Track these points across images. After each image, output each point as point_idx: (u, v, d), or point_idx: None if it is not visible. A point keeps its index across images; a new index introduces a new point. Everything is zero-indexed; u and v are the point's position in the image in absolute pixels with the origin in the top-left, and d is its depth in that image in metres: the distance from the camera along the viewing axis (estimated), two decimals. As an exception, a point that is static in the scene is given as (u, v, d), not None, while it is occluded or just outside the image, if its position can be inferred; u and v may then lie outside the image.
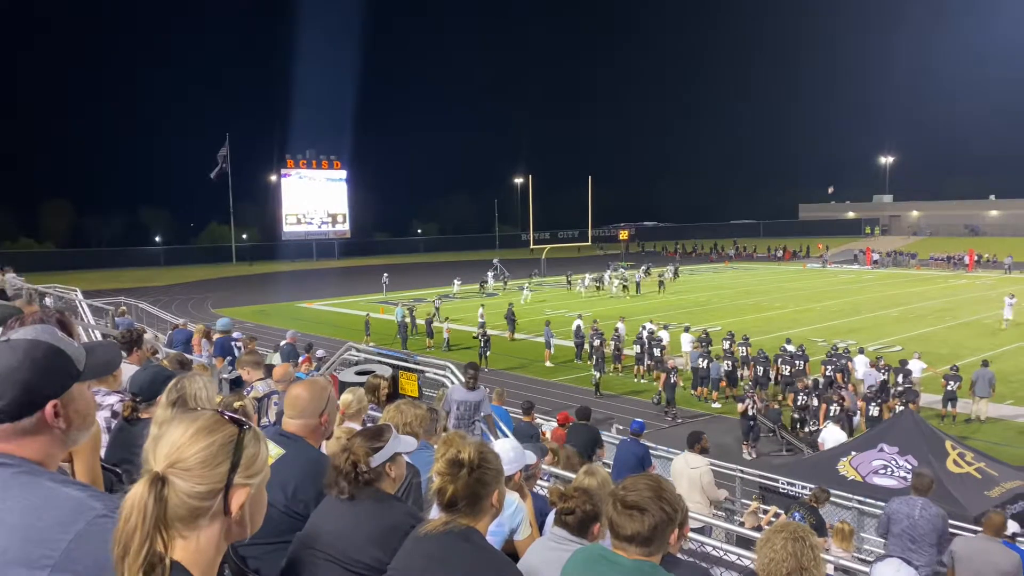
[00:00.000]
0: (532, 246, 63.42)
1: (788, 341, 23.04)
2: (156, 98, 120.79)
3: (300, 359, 14.69)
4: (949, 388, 17.85)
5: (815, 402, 16.95)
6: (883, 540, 7.00)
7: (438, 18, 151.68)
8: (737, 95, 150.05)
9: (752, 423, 16.15)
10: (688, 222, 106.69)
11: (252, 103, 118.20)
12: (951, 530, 7.74)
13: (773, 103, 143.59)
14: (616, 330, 25.40)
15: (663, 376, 19.32)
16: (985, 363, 18.65)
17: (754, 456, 15.88)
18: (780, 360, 21.00)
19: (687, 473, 8.57)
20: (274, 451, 2.73)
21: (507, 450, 3.30)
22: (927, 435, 10.87)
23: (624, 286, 45.15)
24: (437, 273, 62.70)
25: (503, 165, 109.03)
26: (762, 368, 20.39)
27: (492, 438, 7.21)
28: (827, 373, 19.44)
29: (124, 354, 5.56)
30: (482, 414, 7.46)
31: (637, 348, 23.38)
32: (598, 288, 46.21)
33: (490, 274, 51.11)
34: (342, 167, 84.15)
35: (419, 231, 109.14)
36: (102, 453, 2.86)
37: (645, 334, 23.51)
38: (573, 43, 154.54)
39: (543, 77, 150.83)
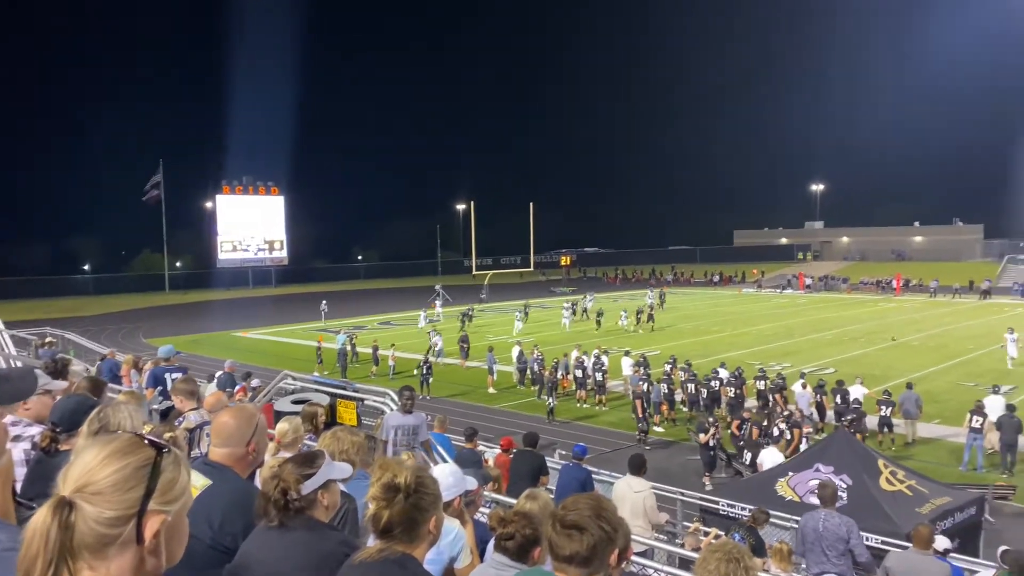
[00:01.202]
0: (474, 272, 63.40)
1: (723, 364, 23.39)
2: (85, 123, 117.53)
3: (236, 388, 14.31)
4: (883, 413, 18.25)
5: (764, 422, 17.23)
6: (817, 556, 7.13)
7: (379, 42, 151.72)
8: (674, 124, 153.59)
9: (712, 453, 16.19)
10: (627, 248, 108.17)
11: (186, 128, 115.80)
12: (884, 545, 7.91)
13: (709, 132, 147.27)
14: (565, 356, 25.43)
15: (638, 403, 19.40)
16: (909, 385, 19.24)
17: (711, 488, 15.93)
18: (719, 383, 21.30)
19: (630, 497, 8.57)
20: (199, 482, 2.61)
21: (446, 475, 3.24)
22: (860, 454, 11.13)
23: (579, 312, 44.53)
24: (377, 300, 62.17)
25: (445, 191, 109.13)
26: (706, 391, 20.74)
27: (431, 464, 7.11)
28: (765, 396, 19.79)
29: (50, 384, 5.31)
30: (420, 439, 7.34)
31: (579, 372, 23.48)
32: (577, 315, 44.12)
33: (437, 303, 50.62)
34: (280, 192, 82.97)
35: (359, 257, 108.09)
36: (18, 487, 2.71)
37: (590, 361, 23.70)
38: (514, 71, 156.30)
39: (484, 104, 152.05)
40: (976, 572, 8.14)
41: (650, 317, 40.47)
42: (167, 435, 3.99)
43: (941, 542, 8.01)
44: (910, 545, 6.46)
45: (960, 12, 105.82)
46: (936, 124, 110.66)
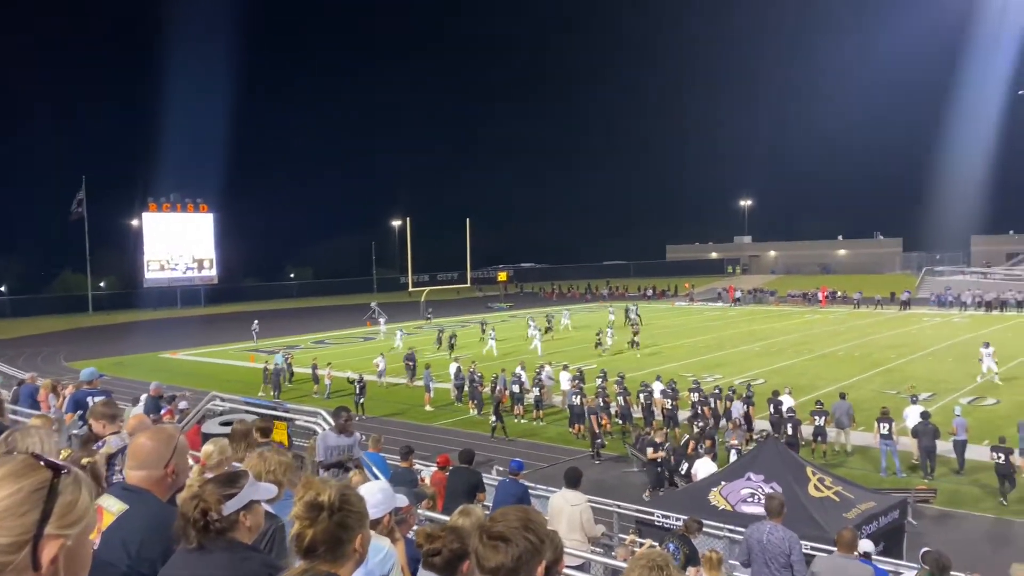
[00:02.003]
0: (411, 289, 62.95)
1: (658, 377, 23.74)
2: (2, 137, 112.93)
3: (163, 411, 13.85)
4: (817, 423, 18.65)
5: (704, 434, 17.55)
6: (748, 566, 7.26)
7: (312, 56, 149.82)
8: (608, 141, 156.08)
9: (660, 469, 16.29)
10: (563, 263, 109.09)
11: (111, 144, 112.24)
12: (812, 550, 8.11)
13: (641, 149, 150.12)
14: (503, 371, 25.39)
15: (594, 418, 19.50)
16: (842, 395, 19.81)
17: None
18: (649, 396, 21.59)
19: (567, 510, 8.58)
20: (116, 507, 2.51)
21: (374, 492, 3.18)
22: (789, 462, 11.42)
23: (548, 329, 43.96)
24: (311, 319, 61.17)
25: (380, 207, 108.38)
26: (645, 404, 21.06)
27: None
28: (700, 409, 20.13)
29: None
30: (354, 457, 7.22)
31: (516, 388, 23.50)
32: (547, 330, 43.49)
33: (381, 321, 49.82)
34: (209, 210, 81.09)
35: (292, 275, 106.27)
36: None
37: (543, 375, 23.90)
38: (449, 85, 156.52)
39: (419, 119, 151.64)
40: (900, 573, 8.41)
41: (634, 344, 36.97)
42: (85, 460, 3.84)
43: (865, 545, 8.26)
44: (836, 549, 6.64)
45: (880, 32, 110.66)
46: (858, 142, 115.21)
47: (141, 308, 72.74)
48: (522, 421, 22.98)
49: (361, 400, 24.45)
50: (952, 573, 6.64)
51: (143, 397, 15.35)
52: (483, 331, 41.61)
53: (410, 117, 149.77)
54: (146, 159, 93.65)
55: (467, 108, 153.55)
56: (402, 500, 3.48)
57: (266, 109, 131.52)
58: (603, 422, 20.73)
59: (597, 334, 36.99)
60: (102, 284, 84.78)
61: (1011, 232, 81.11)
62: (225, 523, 2.29)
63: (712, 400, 20.71)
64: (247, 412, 9.11)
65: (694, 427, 18.79)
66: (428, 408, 25.11)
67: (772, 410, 19.46)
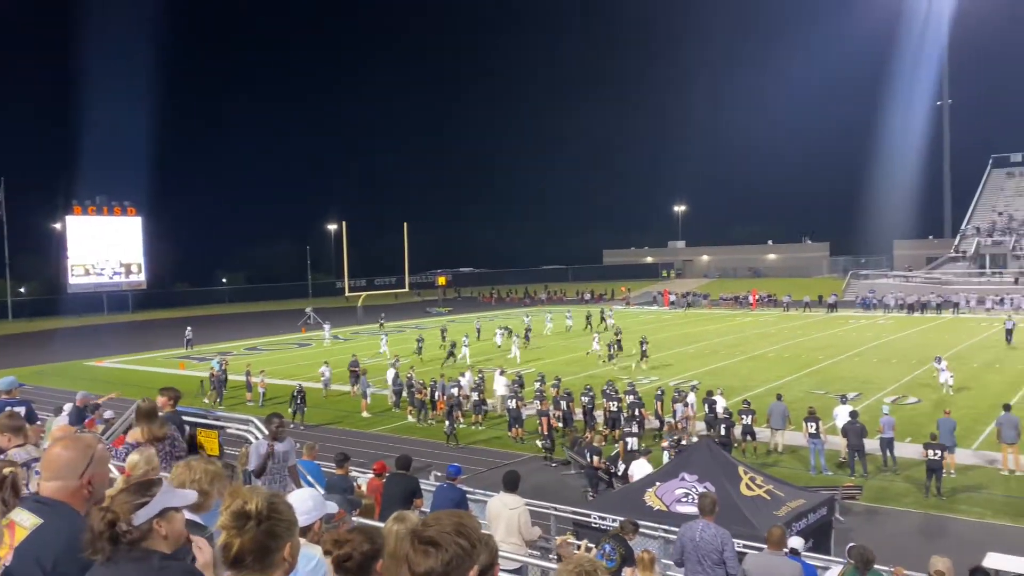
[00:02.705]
0: (347, 294, 62.26)
1: (609, 384, 23.90)
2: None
3: (86, 421, 13.35)
4: (745, 422, 19.22)
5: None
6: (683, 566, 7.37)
7: (243, 54, 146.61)
8: (547, 147, 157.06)
9: (604, 473, 16.35)
10: (502, 267, 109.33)
11: (32, 144, 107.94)
12: (745, 548, 8.28)
13: (579, 155, 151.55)
14: (442, 376, 25.25)
15: (544, 420, 19.57)
16: (779, 397, 20.31)
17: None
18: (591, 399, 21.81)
19: (504, 514, 8.56)
20: (29, 521, 2.40)
21: (304, 499, 3.12)
22: (722, 462, 11.65)
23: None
24: (244, 325, 59.87)
25: (315, 211, 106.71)
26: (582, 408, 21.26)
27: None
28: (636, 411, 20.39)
29: None
30: (288, 465, 7.06)
31: (454, 391, 23.39)
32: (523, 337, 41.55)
33: (326, 327, 48.72)
34: (137, 213, 78.74)
35: (224, 280, 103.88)
36: None
37: (466, 380, 23.75)
38: (385, 90, 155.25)
39: (356, 122, 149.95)
40: (827, 569, 8.66)
41: (618, 345, 35.42)
42: (7, 470, 3.66)
43: (794, 542, 8.48)
44: (766, 547, 6.80)
45: (810, 43, 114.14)
46: (788, 149, 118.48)
47: (65, 314, 70.09)
48: (459, 425, 22.86)
49: (303, 409, 23.84)
50: (876, 567, 6.86)
51: (66, 407, 14.78)
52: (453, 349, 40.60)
53: (346, 118, 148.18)
54: (69, 161, 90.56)
55: (403, 111, 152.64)
56: (332, 507, 3.41)
57: (195, 110, 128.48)
58: (552, 424, 20.85)
59: (608, 347, 34.97)
60: (22, 289, 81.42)
61: (931, 237, 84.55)
62: (138, 533, 2.20)
63: (656, 402, 21.05)
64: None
65: (632, 428, 19.04)
66: (365, 415, 24.83)
67: (707, 410, 19.87)
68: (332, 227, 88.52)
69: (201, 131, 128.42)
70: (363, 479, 11.77)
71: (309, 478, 8.07)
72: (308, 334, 52.31)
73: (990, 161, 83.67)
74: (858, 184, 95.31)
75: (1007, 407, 17.87)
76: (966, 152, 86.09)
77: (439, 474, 14.52)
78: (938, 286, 64.06)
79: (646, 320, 55.81)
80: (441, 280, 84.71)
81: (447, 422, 21.14)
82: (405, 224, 61.71)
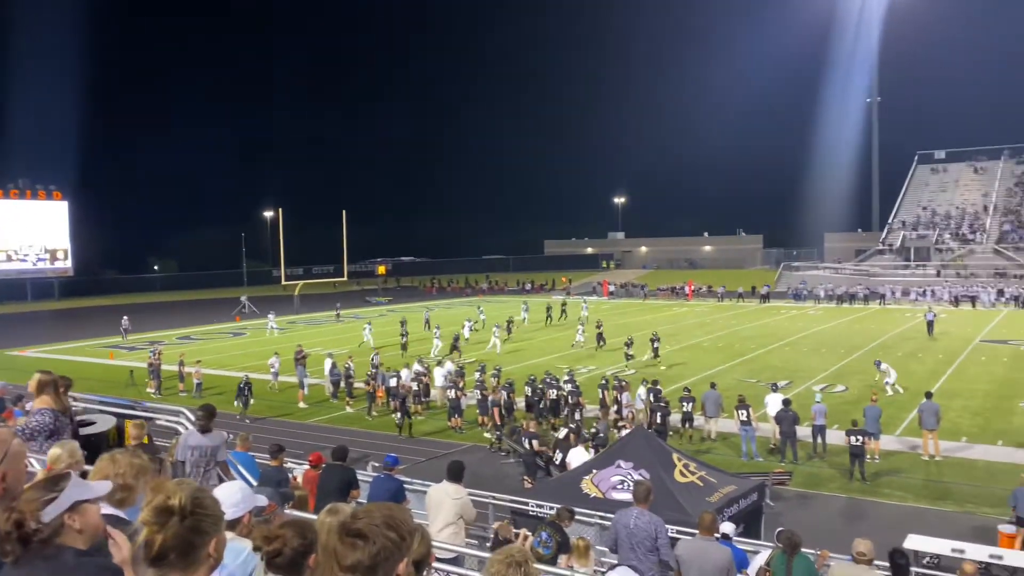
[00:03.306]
0: (284, 282, 61.11)
1: (548, 374, 24.02)
2: None
3: (3, 412, 12.84)
4: (685, 410, 19.63)
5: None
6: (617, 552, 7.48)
7: (177, 35, 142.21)
8: (490, 137, 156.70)
9: (542, 460, 16.40)
10: (443, 257, 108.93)
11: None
12: (678, 534, 8.45)
13: (522, 145, 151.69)
14: (381, 365, 25.02)
15: (495, 410, 19.58)
16: (713, 385, 20.74)
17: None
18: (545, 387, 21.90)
19: (447, 503, 8.54)
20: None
21: (232, 492, 3.05)
22: (657, 449, 11.86)
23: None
24: (176, 313, 58.36)
25: (251, 197, 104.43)
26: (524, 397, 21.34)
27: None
28: (574, 399, 20.59)
29: None
30: (219, 459, 6.90)
31: (393, 382, 23.21)
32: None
33: (270, 317, 47.28)
34: (63, 197, 75.84)
35: (155, 268, 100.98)
36: None
37: (409, 373, 23.62)
38: (324, 74, 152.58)
39: (293, 106, 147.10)
40: (757, 553, 8.90)
41: (599, 337, 34.87)
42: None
43: (726, 527, 8.69)
44: (697, 532, 6.95)
45: (747, 39, 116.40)
46: (724, 143, 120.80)
47: (-16, 302, 67.26)
48: (419, 419, 22.69)
49: (249, 402, 23.25)
50: (803, 550, 7.07)
51: (-16, 399, 14.18)
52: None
53: (282, 103, 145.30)
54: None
55: (341, 97, 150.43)
56: (262, 500, 3.34)
57: (124, 92, 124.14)
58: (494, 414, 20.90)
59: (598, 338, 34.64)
60: (-62, 276, 77.78)
61: (860, 230, 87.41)
62: (48, 530, 2.11)
63: (601, 391, 21.26)
64: (101, 412, 8.57)
65: (573, 416, 19.28)
66: (302, 405, 24.48)
67: (653, 399, 20.13)
68: (268, 214, 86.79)
69: (131, 114, 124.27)
70: (300, 470, 11.62)
71: (242, 470, 7.92)
72: (243, 323, 51.29)
73: (916, 157, 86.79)
74: (791, 178, 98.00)
75: (928, 395, 18.61)
76: (894, 148, 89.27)
77: (376, 464, 14.44)
78: (866, 278, 66.27)
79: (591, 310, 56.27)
80: (381, 269, 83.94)
81: (399, 413, 20.91)
82: (344, 212, 60.81)
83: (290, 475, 10.94)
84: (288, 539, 2.50)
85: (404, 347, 34.15)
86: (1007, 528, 12.33)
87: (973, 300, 53.66)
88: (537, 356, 32.94)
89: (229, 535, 3.16)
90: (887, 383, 23.98)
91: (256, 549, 2.55)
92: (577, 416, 19.45)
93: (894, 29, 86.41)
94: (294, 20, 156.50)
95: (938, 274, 64.83)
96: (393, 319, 44.95)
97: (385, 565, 1.94)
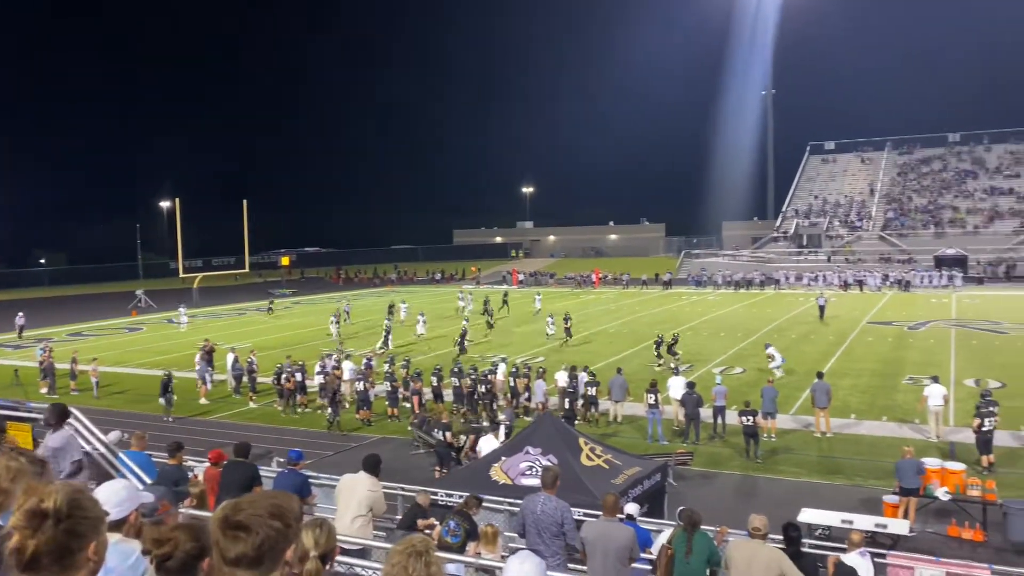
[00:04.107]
0: (182, 275, 58.91)
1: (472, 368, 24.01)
2: None
3: None
4: (590, 393, 20.01)
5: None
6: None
7: (71, 24, 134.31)
8: (397, 125, 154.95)
9: (452, 450, 16.33)
10: (350, 247, 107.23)
11: None
12: (584, 516, 8.60)
13: (430, 134, 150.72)
14: (288, 359, 24.38)
15: (415, 399, 19.61)
16: (619, 370, 21.17)
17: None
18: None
19: (360, 494, 8.39)
20: None
21: (115, 491, 2.91)
22: (564, 434, 12.05)
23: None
24: (66, 309, 55.44)
25: (146, 187, 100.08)
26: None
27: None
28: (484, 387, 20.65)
29: None
30: (69, 459, 6.46)
31: (298, 376, 22.75)
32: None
33: (181, 309, 45.26)
34: (-63, 187, 70.87)
35: (42, 261, 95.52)
36: None
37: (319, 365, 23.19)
38: (222, 58, 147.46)
39: (189, 93, 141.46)
40: (660, 532, 9.15)
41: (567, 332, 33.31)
42: None
43: (630, 508, 8.91)
44: (602, 514, 7.10)
45: (651, 32, 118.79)
46: (628, 134, 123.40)
47: None
48: (306, 411, 22.29)
49: (172, 399, 22.16)
50: (703, 527, 7.31)
51: None
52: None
53: (176, 89, 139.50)
54: None
55: (244, 79, 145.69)
56: (148, 497, 3.21)
57: (11, 78, 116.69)
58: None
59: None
60: None
61: (756, 219, 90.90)
62: None
63: (512, 379, 21.36)
64: (-20, 415, 8.06)
65: (483, 406, 19.40)
66: (203, 401, 23.69)
67: (567, 385, 20.38)
68: (165, 204, 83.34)
69: (18, 100, 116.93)
70: (200, 468, 11.25)
71: (136, 470, 7.60)
72: (140, 318, 49.21)
73: (808, 148, 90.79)
74: (692, 169, 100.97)
75: (820, 375, 19.56)
76: (788, 140, 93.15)
77: (281, 460, 14.12)
78: (762, 264, 68.96)
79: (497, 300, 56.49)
80: (284, 260, 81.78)
81: (330, 409, 20.41)
82: (245, 202, 59.07)
83: (191, 473, 10.58)
84: (180, 542, 2.39)
85: (490, 325, 34.72)
86: (891, 498, 13.11)
87: (861, 284, 56.53)
88: (498, 350, 32.87)
89: (116, 536, 3.02)
90: (773, 367, 24.97)
91: (146, 553, 2.42)
92: (494, 406, 19.57)
93: (789, 25, 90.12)
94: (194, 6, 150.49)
95: (828, 260, 68.06)
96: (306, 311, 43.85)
97: (270, 555, 1.90)
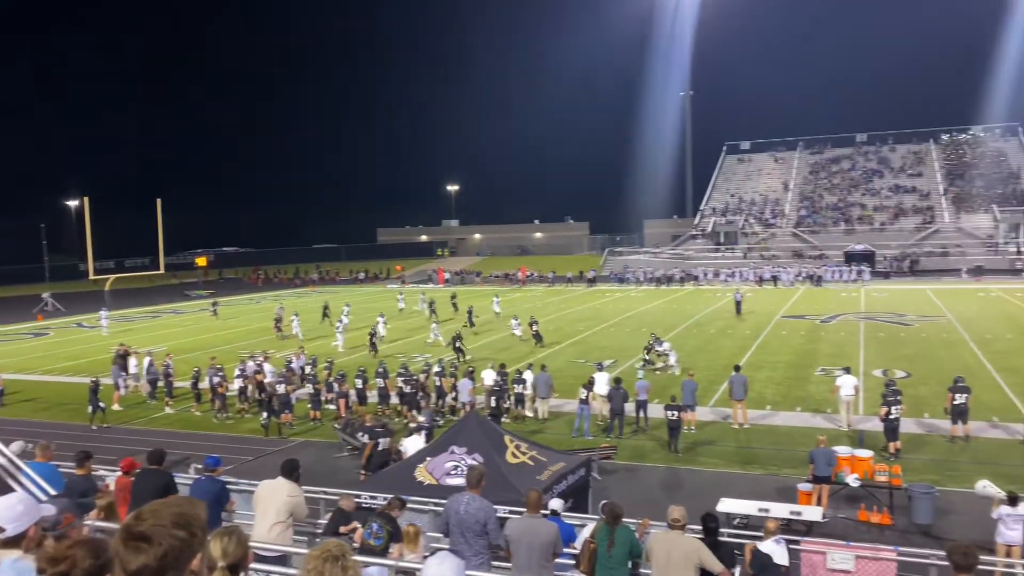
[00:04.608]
0: (93, 276, 56.52)
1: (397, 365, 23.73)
2: None
3: None
4: (517, 391, 20.10)
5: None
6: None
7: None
8: (318, 123, 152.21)
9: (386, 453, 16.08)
10: (270, 247, 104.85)
11: None
12: (510, 514, 8.63)
13: (353, 132, 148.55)
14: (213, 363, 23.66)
15: (341, 402, 18.98)
16: (543, 367, 21.32)
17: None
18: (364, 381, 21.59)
19: (279, 500, 8.21)
20: None
21: (11, 505, 2.77)
22: (489, 433, 12.05)
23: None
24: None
25: (51, 186, 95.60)
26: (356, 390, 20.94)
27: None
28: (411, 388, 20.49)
29: None
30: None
31: (216, 379, 22.11)
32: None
33: (102, 313, 43.18)
34: None
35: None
36: None
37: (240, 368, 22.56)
38: (136, 48, 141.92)
39: (99, 88, 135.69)
40: (584, 526, 9.26)
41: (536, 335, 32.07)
42: None
43: (554, 504, 8.99)
44: (526, 511, 7.14)
45: (575, 33, 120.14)
46: (553, 133, 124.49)
47: None
48: (228, 417, 21.69)
49: (101, 408, 21.03)
50: (625, 520, 7.43)
51: None
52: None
53: (82, 83, 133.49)
54: None
55: (158, 75, 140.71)
56: (48, 509, 3.06)
57: None
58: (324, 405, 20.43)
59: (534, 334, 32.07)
60: None
61: (676, 217, 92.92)
62: None
63: (438, 378, 21.19)
64: None
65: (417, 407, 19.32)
66: (116, 407, 22.78)
67: (493, 384, 20.40)
68: (73, 203, 79.76)
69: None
70: (112, 478, 10.82)
71: (41, 482, 7.24)
72: (47, 322, 47.02)
73: (724, 148, 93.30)
74: (615, 168, 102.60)
75: (737, 368, 20.14)
76: (706, 139, 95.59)
77: (199, 467, 13.71)
78: (681, 261, 70.56)
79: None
80: (201, 261, 79.26)
81: (265, 413, 19.78)
82: (159, 200, 57.07)
83: (101, 483, 10.18)
84: (78, 559, 2.23)
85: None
86: (805, 486, 13.60)
87: (775, 280, 58.40)
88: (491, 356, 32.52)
89: (15, 553, 2.88)
90: (671, 364, 25.53)
91: (41, 572, 2.26)
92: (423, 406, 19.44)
93: (707, 28, 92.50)
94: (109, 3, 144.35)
95: (744, 256, 70.13)
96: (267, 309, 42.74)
97: (175, 566, 1.83)
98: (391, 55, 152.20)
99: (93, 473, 10.32)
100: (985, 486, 13.06)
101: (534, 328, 32.44)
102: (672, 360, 25.68)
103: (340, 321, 34.17)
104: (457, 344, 28.62)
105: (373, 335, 30.70)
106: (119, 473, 10.37)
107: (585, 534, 7.87)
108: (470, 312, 39.19)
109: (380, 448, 15.04)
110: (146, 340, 35.31)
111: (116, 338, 34.88)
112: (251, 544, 3.21)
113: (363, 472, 15.46)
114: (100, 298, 54.04)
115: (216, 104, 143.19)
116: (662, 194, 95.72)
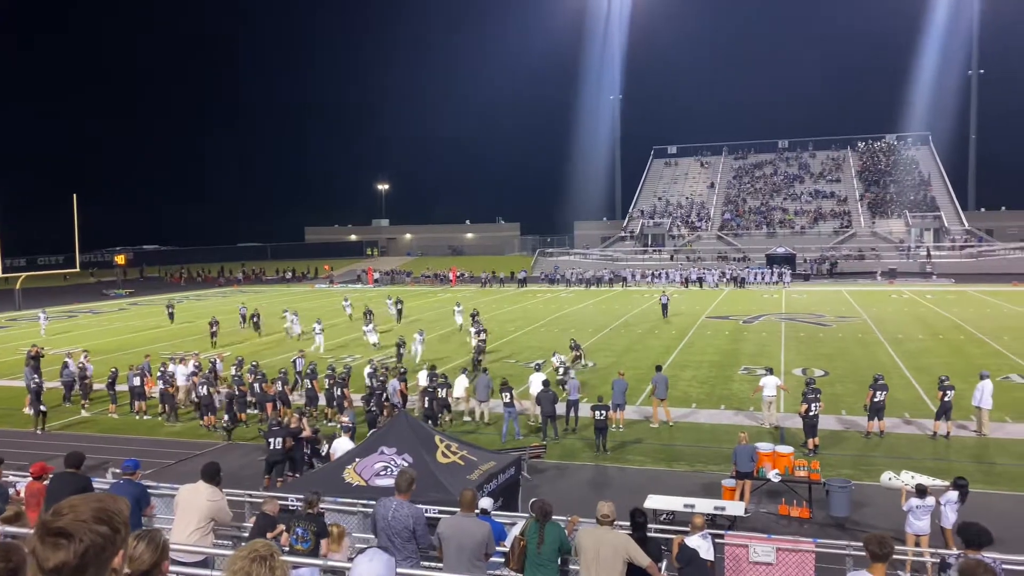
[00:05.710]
0: (2, 274, 53.87)
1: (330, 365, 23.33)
2: None
3: None
4: (441, 395, 19.87)
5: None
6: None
7: None
8: (244, 118, 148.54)
9: (303, 453, 15.75)
10: (193, 245, 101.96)
11: None
12: (440, 513, 8.61)
13: (278, 128, 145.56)
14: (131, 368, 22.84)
15: (268, 406, 18.68)
16: (485, 370, 21.24)
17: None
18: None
19: (199, 504, 8.00)
20: None
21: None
22: (419, 433, 11.97)
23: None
24: None
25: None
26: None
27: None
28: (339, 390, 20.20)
29: None
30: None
31: (136, 381, 21.41)
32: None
33: (41, 316, 41.14)
34: None
35: None
36: None
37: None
38: (50, 36, 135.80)
39: (6, 75, 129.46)
40: (514, 524, 9.31)
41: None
42: None
43: (484, 503, 9.00)
44: (459, 510, 7.13)
45: (505, 32, 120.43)
46: (484, 134, 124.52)
47: None
48: (146, 417, 21.02)
49: (44, 414, 20.05)
50: (555, 517, 7.50)
51: None
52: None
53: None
54: None
55: (67, 63, 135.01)
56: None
57: None
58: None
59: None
60: None
61: (605, 219, 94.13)
62: None
63: (369, 379, 20.86)
64: None
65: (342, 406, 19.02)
66: (27, 411, 21.76)
67: (428, 384, 20.19)
68: (-19, 197, 75.88)
69: None
70: (23, 484, 10.36)
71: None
72: (42, 324, 44.64)
73: (652, 152, 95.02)
74: (547, 169, 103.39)
75: (659, 368, 20.51)
76: (635, 143, 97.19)
77: (117, 470, 13.24)
78: (611, 262, 71.57)
79: (352, 299, 55.42)
80: (120, 259, 76.52)
81: (225, 416, 19.10)
82: (75, 196, 54.77)
83: (11, 489, 9.77)
84: None
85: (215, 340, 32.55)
86: (728, 482, 13.95)
87: (700, 281, 59.75)
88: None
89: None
90: (581, 366, 25.98)
91: None
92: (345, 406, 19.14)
93: (637, 32, 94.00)
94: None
95: (671, 258, 71.57)
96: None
97: (96, 562, 1.76)
98: (318, 52, 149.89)
99: (2, 478, 9.91)
100: (890, 478, 13.67)
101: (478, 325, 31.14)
102: (586, 362, 26.01)
103: (318, 322, 33.09)
104: (401, 349, 27.95)
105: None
106: (29, 478, 9.95)
107: (515, 532, 7.91)
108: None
109: (271, 447, 14.79)
110: (62, 341, 33.91)
111: (34, 339, 33.37)
112: (171, 547, 3.11)
113: (267, 476, 15.02)
114: (11, 297, 51.67)
115: (141, 101, 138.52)
116: (593, 196, 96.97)
